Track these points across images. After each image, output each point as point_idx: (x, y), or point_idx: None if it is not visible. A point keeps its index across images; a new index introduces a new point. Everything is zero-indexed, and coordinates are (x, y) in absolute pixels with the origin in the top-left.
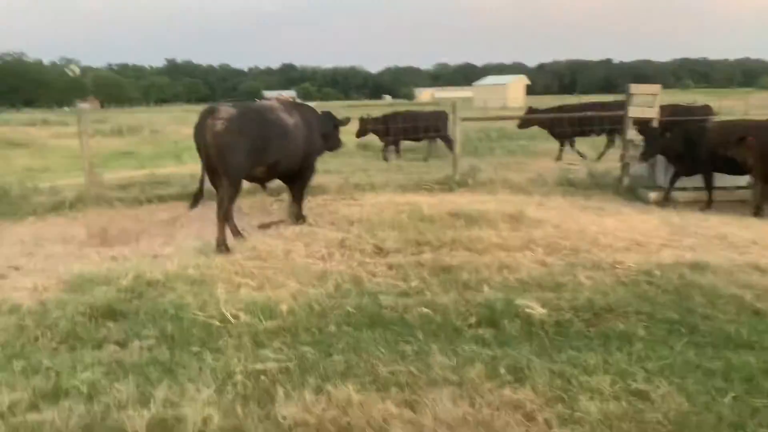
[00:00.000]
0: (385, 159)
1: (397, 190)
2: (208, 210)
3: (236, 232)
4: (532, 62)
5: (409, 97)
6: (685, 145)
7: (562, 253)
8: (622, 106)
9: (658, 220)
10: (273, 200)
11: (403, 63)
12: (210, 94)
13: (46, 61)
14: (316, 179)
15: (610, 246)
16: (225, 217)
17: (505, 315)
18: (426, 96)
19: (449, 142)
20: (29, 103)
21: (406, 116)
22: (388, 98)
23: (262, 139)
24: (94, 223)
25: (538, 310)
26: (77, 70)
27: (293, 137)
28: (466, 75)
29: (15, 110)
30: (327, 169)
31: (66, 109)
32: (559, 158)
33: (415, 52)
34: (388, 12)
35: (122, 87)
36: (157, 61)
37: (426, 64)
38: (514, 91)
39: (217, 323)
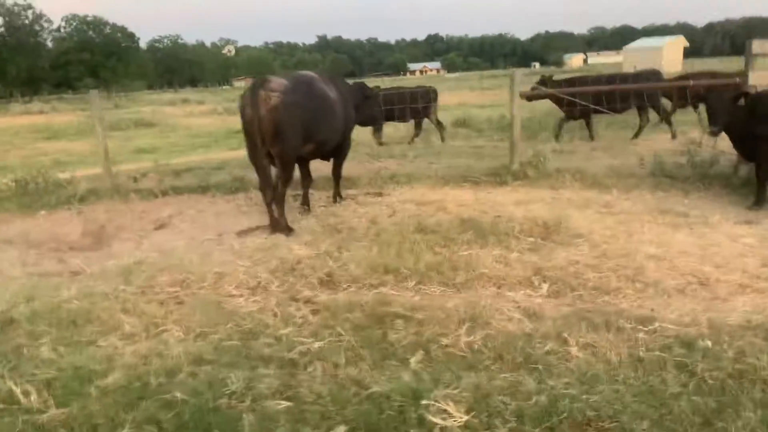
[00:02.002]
0: (379, 143)
1: (439, 182)
2: (210, 205)
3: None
4: (700, 22)
5: (559, 63)
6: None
7: (575, 293)
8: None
9: (758, 236)
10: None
11: (555, 28)
12: (355, 69)
13: (207, 42)
14: (352, 170)
15: (656, 284)
16: (280, 202)
17: (401, 425)
18: (576, 62)
19: (439, 125)
20: (193, 82)
21: (387, 96)
22: (536, 66)
23: (314, 114)
24: (93, 219)
25: (451, 421)
26: (233, 50)
27: (336, 111)
28: (624, 38)
29: (172, 90)
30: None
31: (224, 87)
32: (674, 136)
33: (569, 16)
34: None
35: (269, 65)
36: (310, 39)
37: (581, 28)
38: (670, 54)
39: None
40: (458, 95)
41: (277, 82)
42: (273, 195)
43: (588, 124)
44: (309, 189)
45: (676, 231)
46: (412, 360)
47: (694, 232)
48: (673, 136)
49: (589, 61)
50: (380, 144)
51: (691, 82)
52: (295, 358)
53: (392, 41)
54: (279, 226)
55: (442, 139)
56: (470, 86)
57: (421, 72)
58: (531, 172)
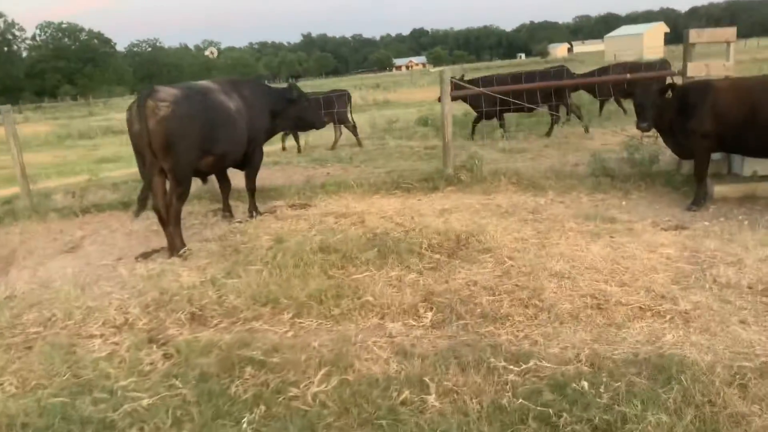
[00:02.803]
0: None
1: (370, 190)
2: (126, 224)
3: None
4: (683, 6)
5: (544, 54)
6: (681, 110)
7: (460, 323)
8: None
9: (679, 245)
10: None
11: (540, 18)
12: (341, 67)
13: (190, 45)
14: (283, 179)
15: (550, 308)
16: (176, 221)
17: None
18: (561, 52)
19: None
20: None
21: None
22: (522, 57)
23: (210, 125)
24: (5, 242)
25: None
26: (215, 52)
27: (237, 122)
28: (609, 26)
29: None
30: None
31: None
32: (587, 130)
33: (554, 6)
34: None
35: (251, 65)
36: (296, 38)
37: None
38: (650, 41)
39: None
40: (434, 90)
41: (167, 91)
42: (168, 214)
43: (501, 123)
44: (228, 195)
45: (594, 241)
46: (245, 420)
47: (613, 242)
48: (586, 130)
49: (574, 50)
50: (299, 151)
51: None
52: (115, 419)
53: (377, 37)
54: (175, 248)
55: (359, 143)
56: None
57: (407, 67)
58: (465, 176)
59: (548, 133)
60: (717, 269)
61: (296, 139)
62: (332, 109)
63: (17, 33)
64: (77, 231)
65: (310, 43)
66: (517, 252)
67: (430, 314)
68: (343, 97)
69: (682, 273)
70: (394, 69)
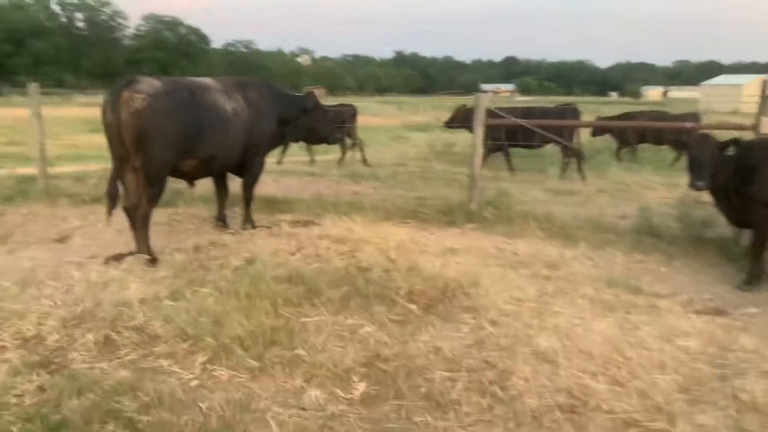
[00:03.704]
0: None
1: (384, 215)
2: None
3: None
4: None
5: (636, 95)
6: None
7: (395, 403)
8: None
9: (705, 337)
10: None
11: (637, 58)
12: (426, 86)
13: (286, 50)
14: (305, 191)
15: (512, 401)
16: (143, 224)
17: None
18: (655, 94)
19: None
20: None
21: None
22: (613, 95)
23: (194, 126)
24: (4, 222)
25: None
26: (308, 60)
27: (232, 125)
28: (708, 74)
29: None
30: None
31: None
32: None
33: (654, 48)
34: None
35: (340, 76)
36: (387, 53)
37: (665, 60)
38: (751, 92)
39: None
40: None
41: (148, 83)
42: (134, 216)
43: (506, 158)
44: (224, 203)
45: (603, 316)
46: None
47: (625, 321)
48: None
49: (670, 94)
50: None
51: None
52: None
53: (468, 61)
54: (142, 252)
55: (364, 160)
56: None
57: (494, 93)
58: (489, 214)
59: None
60: (744, 380)
61: (360, 148)
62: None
63: (121, 21)
64: (75, 220)
65: (400, 60)
66: (505, 317)
67: (363, 385)
68: (347, 113)
69: (696, 378)
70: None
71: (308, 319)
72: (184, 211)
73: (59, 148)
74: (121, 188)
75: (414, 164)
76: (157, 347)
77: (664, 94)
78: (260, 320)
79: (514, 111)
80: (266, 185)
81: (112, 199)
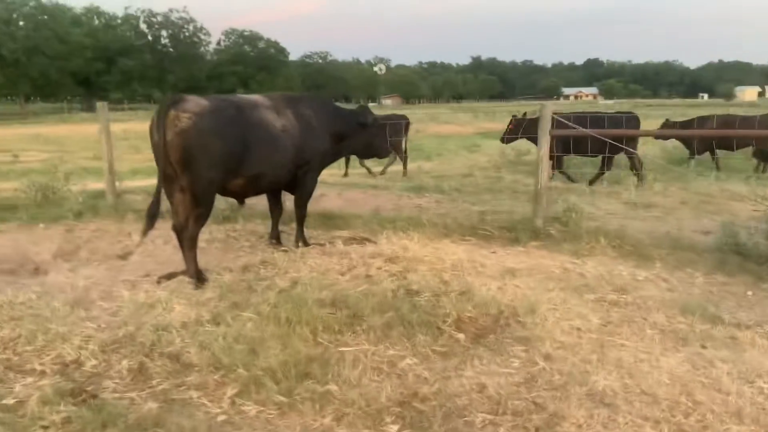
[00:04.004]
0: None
1: (444, 232)
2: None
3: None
4: None
5: (729, 96)
6: None
7: None
8: None
9: None
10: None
11: (729, 57)
12: (505, 91)
13: (362, 60)
14: (360, 207)
15: None
16: (191, 245)
17: None
18: (750, 95)
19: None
20: (347, 98)
21: None
22: (704, 97)
23: (241, 144)
24: (73, 238)
25: None
26: (383, 69)
27: (282, 142)
28: None
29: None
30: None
31: (371, 104)
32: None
33: (748, 45)
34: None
35: (415, 84)
36: (465, 59)
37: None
38: None
39: None
40: None
41: (195, 102)
42: (182, 237)
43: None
44: (278, 221)
45: (674, 350)
46: None
47: (700, 357)
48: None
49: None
50: (377, 173)
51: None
52: None
53: (549, 64)
54: (190, 273)
55: (405, 172)
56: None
57: (576, 97)
58: (556, 231)
59: (591, 182)
60: None
61: (404, 162)
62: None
63: (203, 37)
64: (138, 237)
65: (478, 65)
66: (562, 350)
67: (396, 428)
68: (400, 123)
69: None
70: (561, 98)
71: (347, 349)
72: (242, 227)
73: (137, 163)
74: (167, 207)
75: (483, 174)
76: (189, 377)
77: (760, 94)
78: (296, 349)
79: (565, 118)
80: (330, 199)
81: (151, 218)
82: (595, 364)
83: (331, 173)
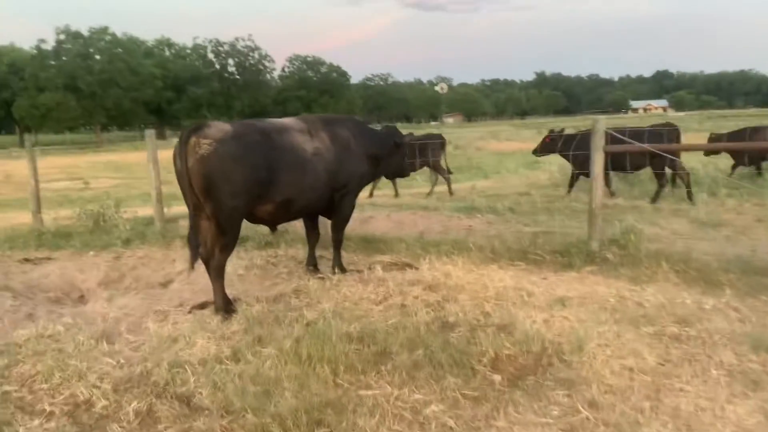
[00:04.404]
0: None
1: (491, 256)
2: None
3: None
4: None
5: None
6: None
7: None
8: None
9: None
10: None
11: None
12: (570, 106)
13: (424, 80)
14: (434, 226)
15: None
16: (217, 275)
17: None
18: None
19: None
20: (407, 118)
21: None
22: None
23: (266, 170)
24: (119, 266)
25: None
26: (445, 88)
27: (312, 166)
28: None
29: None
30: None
31: (432, 123)
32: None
33: None
34: None
35: (477, 102)
36: (528, 75)
37: None
38: None
39: None
40: None
41: (217, 128)
42: (209, 266)
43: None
44: (315, 246)
45: (744, 396)
46: None
47: None
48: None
49: None
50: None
51: None
52: None
53: (615, 78)
54: (217, 306)
55: (450, 191)
56: (685, 128)
57: (645, 110)
58: (613, 255)
59: (653, 200)
60: None
61: (447, 181)
62: (426, 156)
63: (267, 64)
64: (180, 264)
65: (542, 81)
66: (610, 394)
67: None
68: (436, 143)
69: None
70: (629, 111)
71: (367, 392)
72: (284, 253)
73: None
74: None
75: (540, 193)
76: (197, 421)
77: None
78: (313, 391)
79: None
80: (378, 221)
81: (194, 248)
82: (648, 414)
83: (380, 194)
